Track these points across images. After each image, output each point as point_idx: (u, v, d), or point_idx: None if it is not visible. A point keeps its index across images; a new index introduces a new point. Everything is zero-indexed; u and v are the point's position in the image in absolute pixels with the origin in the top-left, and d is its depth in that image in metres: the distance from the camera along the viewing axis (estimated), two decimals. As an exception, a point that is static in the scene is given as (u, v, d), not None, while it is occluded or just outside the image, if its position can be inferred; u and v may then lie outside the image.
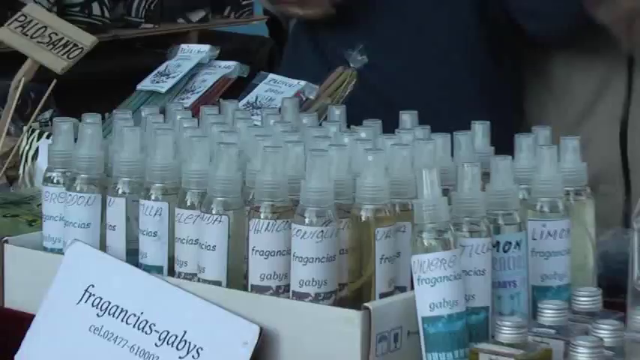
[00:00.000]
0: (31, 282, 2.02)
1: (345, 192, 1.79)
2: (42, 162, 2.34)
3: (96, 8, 4.11)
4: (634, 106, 3.26)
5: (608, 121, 3.31)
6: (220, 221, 1.79)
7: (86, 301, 1.91)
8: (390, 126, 2.24)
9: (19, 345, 1.94)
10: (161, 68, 2.53)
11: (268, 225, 1.77)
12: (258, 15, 6.27)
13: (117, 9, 4.21)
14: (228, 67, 2.55)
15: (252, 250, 1.78)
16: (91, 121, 1.99)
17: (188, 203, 1.84)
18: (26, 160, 2.42)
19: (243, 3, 5.68)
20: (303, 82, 2.42)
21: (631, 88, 3.31)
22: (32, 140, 2.36)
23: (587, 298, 1.81)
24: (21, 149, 2.37)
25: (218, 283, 1.83)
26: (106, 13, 4.17)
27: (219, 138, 1.92)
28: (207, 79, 2.52)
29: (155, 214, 1.87)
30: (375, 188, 1.78)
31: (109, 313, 1.88)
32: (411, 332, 1.72)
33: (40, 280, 1.98)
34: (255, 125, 2.08)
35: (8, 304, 2.06)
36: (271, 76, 2.49)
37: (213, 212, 1.82)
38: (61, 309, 1.93)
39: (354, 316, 1.70)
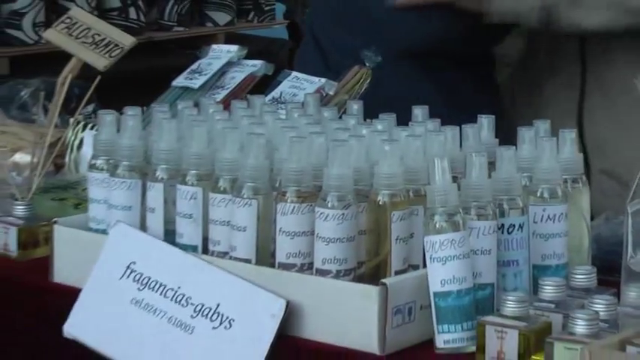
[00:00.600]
0: (78, 259, 2.03)
1: (363, 179, 1.80)
2: (86, 151, 2.34)
3: (132, 12, 4.12)
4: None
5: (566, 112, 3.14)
6: (250, 205, 1.81)
7: (128, 277, 1.93)
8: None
9: (68, 316, 1.97)
10: (194, 66, 2.54)
11: (294, 208, 1.78)
12: (280, 19, 6.36)
13: (151, 13, 4.21)
14: (255, 65, 2.55)
15: (280, 230, 1.79)
16: (132, 113, 2.00)
17: (221, 188, 1.85)
18: (72, 150, 2.43)
19: (266, 9, 5.71)
20: (323, 80, 2.42)
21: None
22: (77, 131, 2.38)
23: (584, 275, 1.83)
24: (67, 140, 2.39)
25: (248, 261, 1.84)
26: (142, 17, 4.17)
27: (248, 129, 1.94)
28: (235, 77, 2.52)
29: (190, 198, 1.89)
30: (390, 175, 1.80)
31: (148, 287, 1.89)
32: (423, 306, 1.74)
33: (86, 257, 1.99)
34: (281, 118, 2.10)
35: (58, 279, 2.07)
36: (294, 73, 2.49)
37: (244, 196, 1.83)
38: (105, 284, 1.96)
39: (371, 291, 1.72)
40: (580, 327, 1.63)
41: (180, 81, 2.49)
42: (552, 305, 1.77)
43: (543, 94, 3.09)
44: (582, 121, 3.10)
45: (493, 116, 2.10)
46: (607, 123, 2.99)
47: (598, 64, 2.99)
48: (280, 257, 1.82)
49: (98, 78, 2.36)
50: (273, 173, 1.86)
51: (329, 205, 1.77)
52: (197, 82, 2.48)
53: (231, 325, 1.83)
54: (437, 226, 1.74)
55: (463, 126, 2.00)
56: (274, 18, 6.13)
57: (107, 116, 2.05)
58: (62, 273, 2.08)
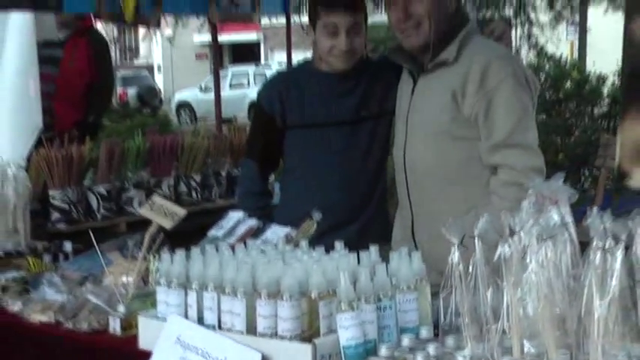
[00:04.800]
0: (152, 335, 2.09)
1: (304, 284, 1.86)
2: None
3: (194, 194, 3.98)
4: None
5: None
6: (242, 300, 1.89)
7: (176, 343, 2.01)
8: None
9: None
10: (221, 223, 2.55)
11: (266, 302, 1.85)
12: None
13: (204, 192, 4.05)
14: (252, 222, 2.53)
15: (258, 314, 1.88)
16: (179, 254, 2.11)
17: (227, 292, 1.92)
18: (152, 273, 2.40)
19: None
20: (288, 229, 2.42)
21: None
22: (155, 262, 2.36)
23: (426, 331, 1.88)
24: (150, 267, 2.41)
25: (242, 332, 1.91)
26: (198, 196, 4.02)
27: (242, 259, 2.04)
28: (241, 229, 2.51)
29: (210, 299, 1.98)
30: (319, 282, 1.85)
31: (188, 349, 1.98)
32: (337, 354, 1.81)
33: (156, 333, 2.07)
34: (262, 252, 2.16)
35: (142, 346, 2.14)
36: (273, 226, 2.46)
37: (238, 297, 1.89)
38: (166, 347, 2.03)
39: (308, 347, 1.81)
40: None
41: (212, 232, 2.56)
42: (408, 349, 1.81)
43: None
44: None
45: (375, 247, 2.10)
46: None
47: None
48: (259, 329, 1.90)
49: (162, 235, 2.41)
50: (254, 283, 1.92)
51: (284, 298, 1.84)
52: (220, 232, 2.52)
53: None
54: (342, 308, 1.80)
55: (361, 252, 2.04)
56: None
57: (166, 255, 2.15)
58: (144, 342, 2.14)
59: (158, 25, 3.80)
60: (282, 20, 4.44)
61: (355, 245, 2.11)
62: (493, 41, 2.79)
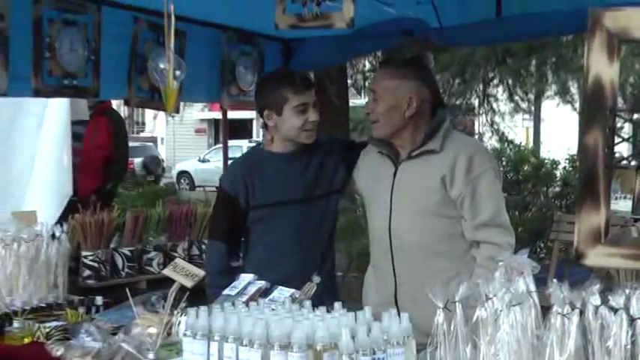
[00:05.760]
0: None
1: (310, 337, 1.91)
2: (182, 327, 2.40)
3: (204, 256, 3.96)
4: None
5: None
6: (257, 351, 1.94)
7: None
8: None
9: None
10: (233, 283, 2.56)
11: (278, 353, 1.90)
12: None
13: None
14: (261, 283, 2.52)
15: None
16: (203, 311, 2.14)
17: (244, 343, 1.97)
18: (175, 325, 2.43)
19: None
20: (292, 290, 2.41)
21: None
22: (178, 316, 2.41)
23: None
24: (174, 321, 2.42)
25: None
26: (204, 257, 4.03)
27: (256, 316, 2.10)
28: (251, 289, 2.52)
29: (230, 349, 2.02)
30: (323, 336, 1.91)
31: None
32: None
33: None
34: (272, 309, 2.21)
35: None
36: (280, 288, 2.44)
37: (255, 348, 1.93)
38: None
39: None
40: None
41: (226, 291, 2.56)
42: None
43: None
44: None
45: (369, 307, 2.16)
46: None
47: None
48: None
49: (187, 293, 2.42)
50: (268, 336, 1.96)
51: (294, 350, 1.89)
52: (234, 291, 2.54)
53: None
54: (344, 359, 1.86)
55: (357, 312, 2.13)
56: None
57: (192, 310, 2.17)
58: None
59: (177, 111, 3.90)
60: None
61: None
62: (466, 136, 3.00)
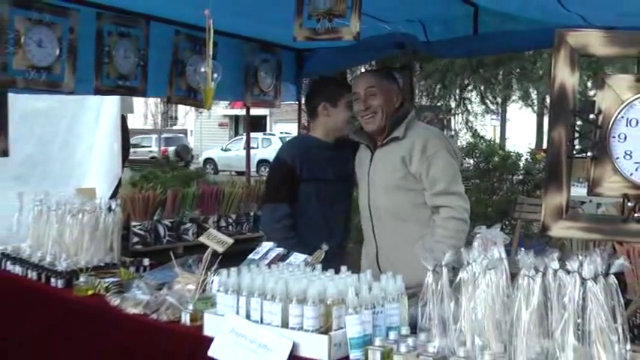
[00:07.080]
0: (215, 326, 2.12)
1: (321, 294, 1.93)
2: (214, 285, 2.37)
3: (230, 228, 4.03)
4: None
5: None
6: (278, 304, 1.95)
7: (231, 332, 2.04)
8: None
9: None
10: (256, 249, 2.58)
11: (296, 306, 1.92)
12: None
13: (238, 227, 4.10)
14: (279, 250, 2.54)
15: (290, 314, 1.94)
16: (233, 271, 2.15)
17: (267, 297, 2.00)
18: (209, 283, 2.40)
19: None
20: (305, 255, 2.43)
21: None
22: (212, 276, 2.36)
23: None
24: (207, 279, 2.39)
25: (278, 326, 1.97)
26: (230, 229, 4.07)
27: (277, 276, 2.10)
28: (272, 254, 2.54)
29: (256, 304, 2.05)
30: (333, 293, 1.92)
31: (239, 335, 2.00)
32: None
33: (218, 326, 2.10)
34: (290, 271, 2.20)
35: (207, 333, 2.15)
36: (295, 254, 2.46)
37: (276, 301, 1.96)
38: (223, 334, 2.05)
39: (325, 337, 1.87)
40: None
41: (251, 256, 2.58)
42: (393, 341, 1.86)
43: None
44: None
45: (369, 270, 2.16)
46: None
47: None
48: (291, 324, 1.95)
49: (220, 257, 2.41)
50: (287, 292, 1.99)
51: (309, 303, 1.92)
52: (257, 256, 2.56)
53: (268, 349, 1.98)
54: (349, 312, 1.90)
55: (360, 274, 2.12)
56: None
57: (224, 270, 2.20)
58: (208, 330, 2.17)
59: (209, 107, 3.91)
60: (285, 101, 4.59)
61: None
62: (428, 125, 3.00)
